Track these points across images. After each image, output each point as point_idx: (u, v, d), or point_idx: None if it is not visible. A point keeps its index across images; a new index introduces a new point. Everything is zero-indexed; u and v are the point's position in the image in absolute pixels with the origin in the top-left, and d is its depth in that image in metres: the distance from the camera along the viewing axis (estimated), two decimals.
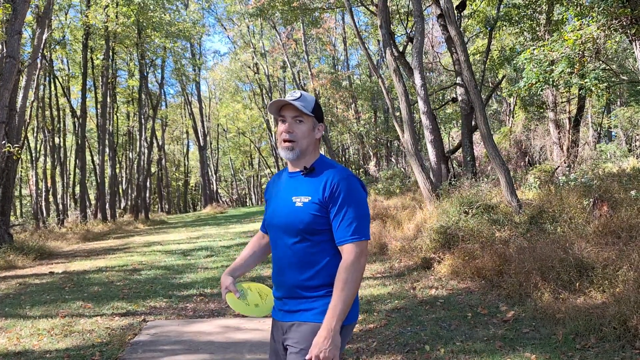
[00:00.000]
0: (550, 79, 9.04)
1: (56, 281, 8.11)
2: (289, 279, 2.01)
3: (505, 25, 15.00)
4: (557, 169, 13.88)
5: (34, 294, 7.13)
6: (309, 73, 30.19)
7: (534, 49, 9.30)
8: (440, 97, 23.24)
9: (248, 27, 34.40)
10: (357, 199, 1.96)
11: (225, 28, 38.58)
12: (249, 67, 38.60)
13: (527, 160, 18.44)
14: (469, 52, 13.20)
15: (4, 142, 10.93)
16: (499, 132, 20.81)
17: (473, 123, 13.09)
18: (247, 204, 50.15)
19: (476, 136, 15.11)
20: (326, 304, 1.93)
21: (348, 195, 1.94)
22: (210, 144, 46.53)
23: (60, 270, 9.17)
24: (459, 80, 12.99)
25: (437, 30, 22.64)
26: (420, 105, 11.43)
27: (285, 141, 2.01)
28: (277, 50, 32.78)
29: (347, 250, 1.92)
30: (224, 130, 50.02)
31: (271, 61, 35.62)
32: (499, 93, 21.23)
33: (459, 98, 13.49)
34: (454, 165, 17.81)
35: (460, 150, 14.97)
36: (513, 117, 20.02)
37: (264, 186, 51.12)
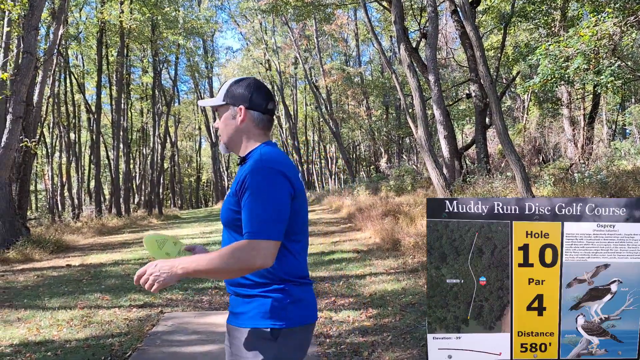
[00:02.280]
0: (566, 75, 8.99)
1: (73, 274, 8.23)
2: None
3: (520, 21, 14.91)
4: (572, 166, 13.79)
5: (52, 286, 7.25)
6: (321, 69, 30.23)
7: (549, 45, 9.25)
8: (454, 94, 23.16)
9: (261, 24, 34.49)
10: (266, 192, 1.67)
11: (237, 24, 38.74)
12: (261, 64, 38.71)
13: (541, 157, 18.34)
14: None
15: (21, 137, 11.08)
16: (512, 128, 20.67)
17: (487, 120, 13.04)
18: None
19: (490, 133, 15.05)
20: (261, 305, 1.74)
21: (257, 187, 1.68)
22: None
23: (77, 263, 9.31)
24: (472, 76, 12.94)
25: (450, 26, 22.54)
26: (434, 100, 11.41)
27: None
28: (289, 47, 32.84)
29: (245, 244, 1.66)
30: None
31: (283, 57, 35.69)
32: (512, 89, 21.09)
33: (473, 94, 13.43)
34: (467, 162, 17.75)
35: (473, 147, 14.91)
36: (527, 113, 19.89)
37: None
